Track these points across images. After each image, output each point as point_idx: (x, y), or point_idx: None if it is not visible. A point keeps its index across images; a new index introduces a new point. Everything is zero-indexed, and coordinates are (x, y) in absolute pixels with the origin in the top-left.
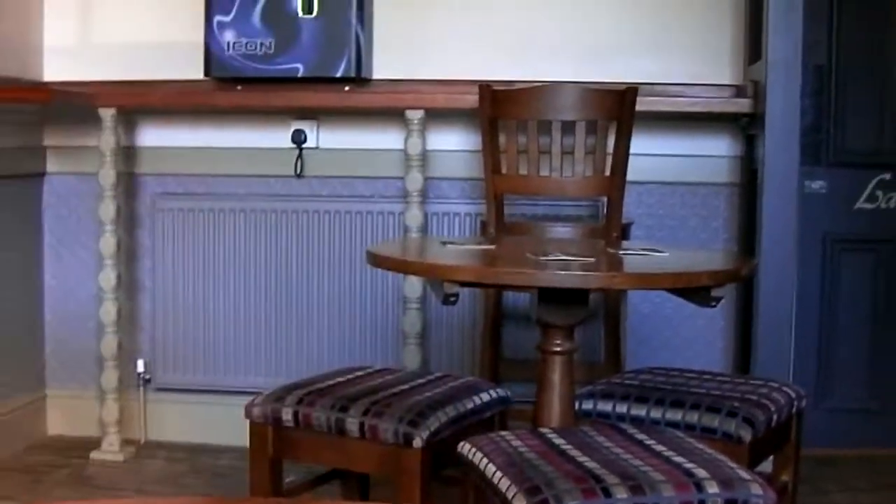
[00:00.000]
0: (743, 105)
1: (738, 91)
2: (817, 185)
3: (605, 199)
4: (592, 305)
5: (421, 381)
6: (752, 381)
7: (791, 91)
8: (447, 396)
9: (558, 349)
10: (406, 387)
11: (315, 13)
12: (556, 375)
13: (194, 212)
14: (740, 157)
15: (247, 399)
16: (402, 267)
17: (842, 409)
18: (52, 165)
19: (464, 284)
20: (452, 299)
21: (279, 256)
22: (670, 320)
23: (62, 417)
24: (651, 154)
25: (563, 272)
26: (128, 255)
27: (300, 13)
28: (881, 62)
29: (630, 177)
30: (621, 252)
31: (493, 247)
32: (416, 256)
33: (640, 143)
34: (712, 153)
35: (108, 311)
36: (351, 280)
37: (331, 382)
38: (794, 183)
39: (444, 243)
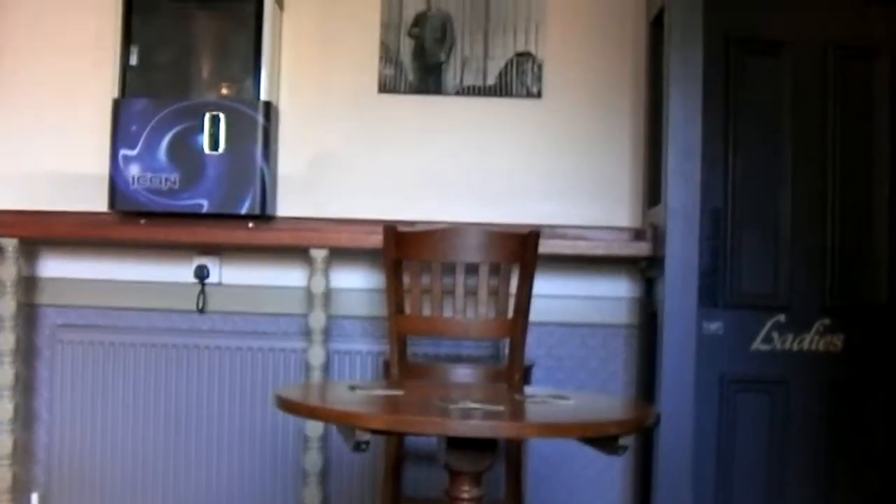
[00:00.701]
0: (643, 248)
1: (638, 234)
2: (715, 326)
3: (505, 339)
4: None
5: None
6: None
7: (690, 235)
8: None
9: (466, 496)
10: None
11: (221, 150)
12: None
13: (94, 344)
14: (639, 299)
15: None
16: (313, 414)
17: None
18: None
19: (375, 432)
20: (364, 447)
21: (179, 391)
22: (570, 460)
23: None
24: (551, 295)
25: (474, 422)
26: (25, 385)
27: (206, 149)
28: (774, 206)
29: (531, 317)
30: (527, 399)
31: (401, 392)
32: (328, 403)
33: (541, 285)
34: (611, 295)
35: (4, 443)
36: (251, 416)
37: None
38: (692, 325)
39: (353, 388)
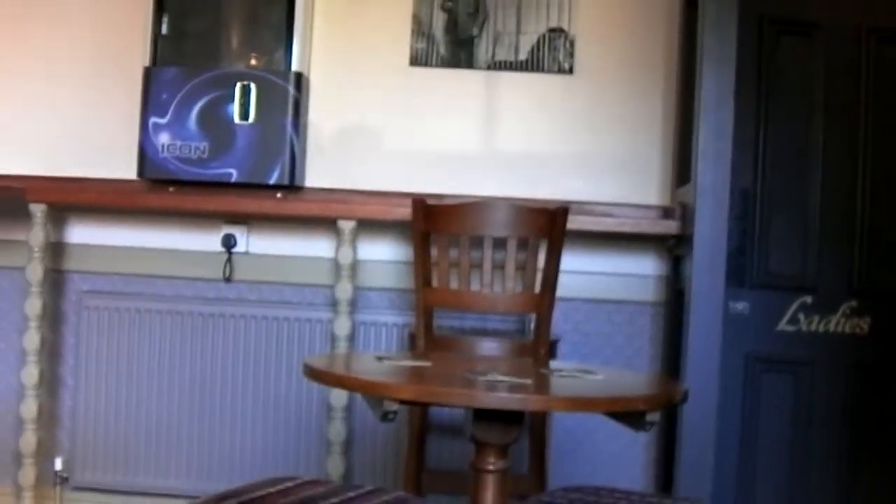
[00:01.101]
0: (671, 227)
1: (666, 212)
2: (741, 306)
3: (531, 314)
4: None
5: (351, 494)
6: (677, 502)
7: (719, 215)
8: None
9: (492, 468)
10: (336, 500)
11: (251, 119)
12: (488, 494)
13: (120, 311)
14: (666, 277)
15: (165, 502)
16: (341, 383)
17: None
18: None
19: (403, 402)
20: (391, 417)
21: (204, 359)
22: (594, 435)
23: None
24: (578, 271)
25: (503, 394)
26: (51, 351)
27: (236, 119)
28: (804, 188)
29: (557, 293)
30: (555, 373)
31: (429, 364)
32: (356, 373)
33: (568, 261)
34: (638, 272)
35: (30, 407)
36: (276, 386)
37: (261, 493)
38: (720, 304)
39: (380, 358)
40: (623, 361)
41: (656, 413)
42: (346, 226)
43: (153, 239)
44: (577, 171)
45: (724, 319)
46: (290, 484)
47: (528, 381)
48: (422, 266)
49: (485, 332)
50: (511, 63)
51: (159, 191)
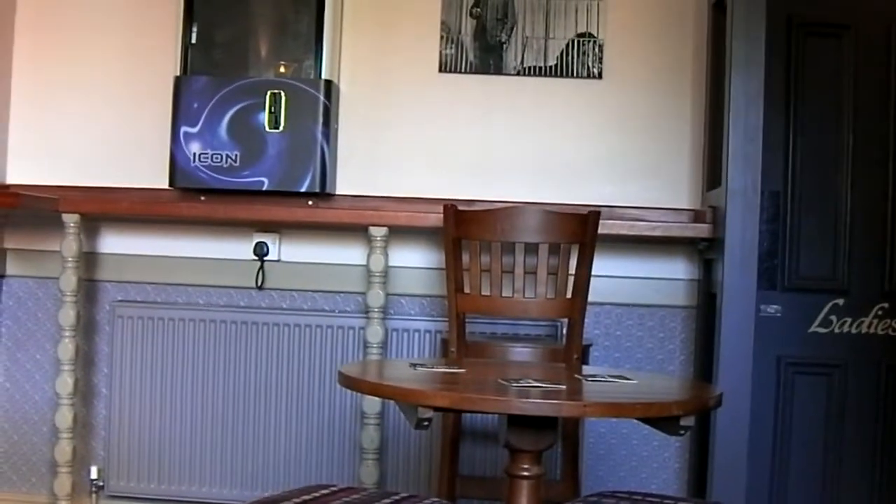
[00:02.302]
0: (702, 230)
1: (696, 216)
2: (772, 308)
3: (563, 319)
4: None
5: (387, 501)
6: None
7: (750, 219)
8: None
9: (526, 474)
10: None
11: (281, 128)
12: (523, 500)
13: (153, 320)
14: (697, 281)
15: None
16: (377, 391)
17: None
18: (11, 268)
19: (437, 409)
20: (426, 424)
21: (237, 367)
22: (627, 439)
23: None
24: (609, 275)
25: (538, 401)
26: (85, 360)
27: (267, 128)
28: (834, 189)
29: (589, 297)
30: (589, 378)
31: (463, 370)
32: (391, 380)
33: (599, 265)
34: (669, 276)
35: (65, 416)
36: (309, 393)
37: (297, 501)
38: (752, 307)
39: (414, 365)
40: (655, 365)
41: (691, 418)
42: (378, 232)
43: (185, 248)
44: (607, 175)
45: (755, 322)
46: (325, 491)
47: (562, 387)
48: (454, 272)
49: (517, 338)
50: (540, 68)
51: (191, 200)
